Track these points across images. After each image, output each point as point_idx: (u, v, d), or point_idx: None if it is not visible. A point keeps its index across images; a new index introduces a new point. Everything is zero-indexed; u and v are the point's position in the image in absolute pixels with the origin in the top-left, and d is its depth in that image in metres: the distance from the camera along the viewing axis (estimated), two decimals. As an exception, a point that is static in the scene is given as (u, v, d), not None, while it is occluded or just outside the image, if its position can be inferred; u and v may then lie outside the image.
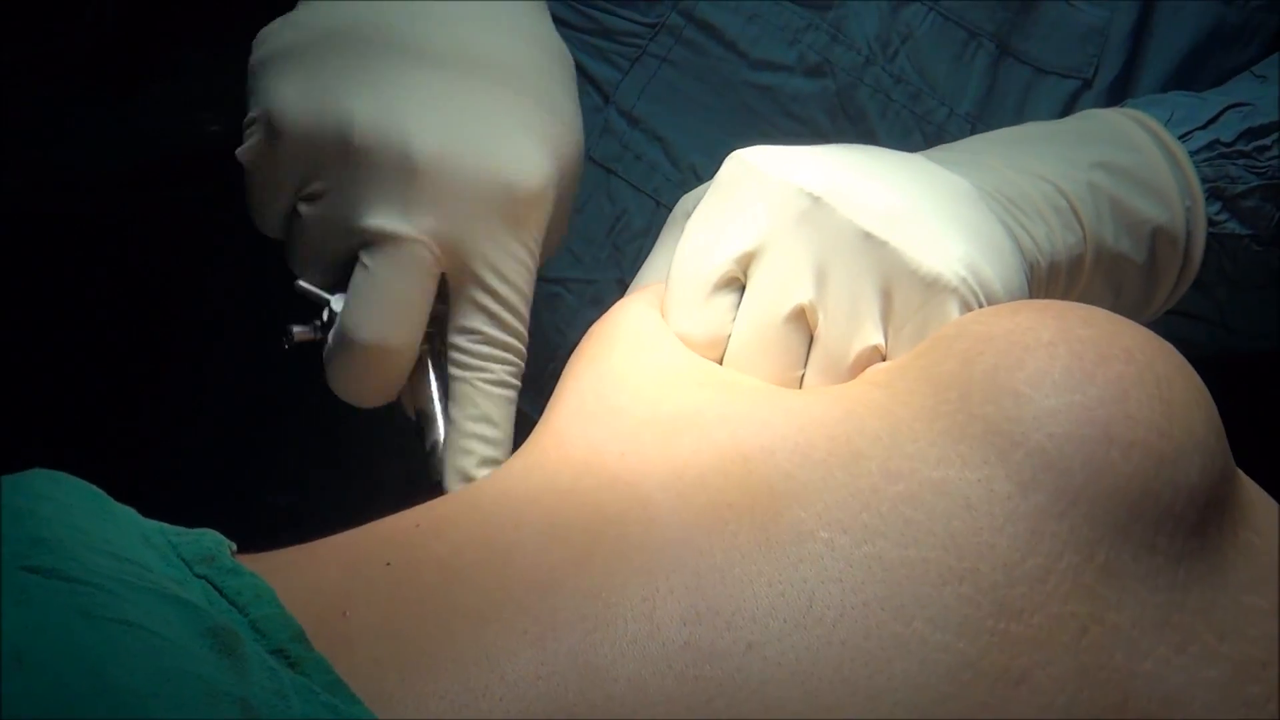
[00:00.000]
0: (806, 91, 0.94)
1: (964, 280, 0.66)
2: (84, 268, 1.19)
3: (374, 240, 0.73)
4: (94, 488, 0.57)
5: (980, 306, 0.66)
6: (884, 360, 0.67)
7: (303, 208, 0.74)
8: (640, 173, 0.95)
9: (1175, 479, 0.56)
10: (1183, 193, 0.82)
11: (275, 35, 0.76)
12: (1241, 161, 0.84)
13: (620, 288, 0.76)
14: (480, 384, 0.74)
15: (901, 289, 0.66)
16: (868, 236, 0.66)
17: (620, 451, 0.61)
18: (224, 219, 1.12)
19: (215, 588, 0.54)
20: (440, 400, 0.76)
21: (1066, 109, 0.95)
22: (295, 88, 0.74)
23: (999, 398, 0.57)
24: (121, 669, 0.45)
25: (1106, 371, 0.57)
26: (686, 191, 0.82)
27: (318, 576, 0.57)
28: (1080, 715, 0.53)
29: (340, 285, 0.75)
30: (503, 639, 0.53)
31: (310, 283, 0.76)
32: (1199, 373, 0.60)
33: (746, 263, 0.68)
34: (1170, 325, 0.86)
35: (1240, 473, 0.60)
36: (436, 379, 0.76)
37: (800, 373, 0.68)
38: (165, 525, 0.57)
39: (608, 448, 0.62)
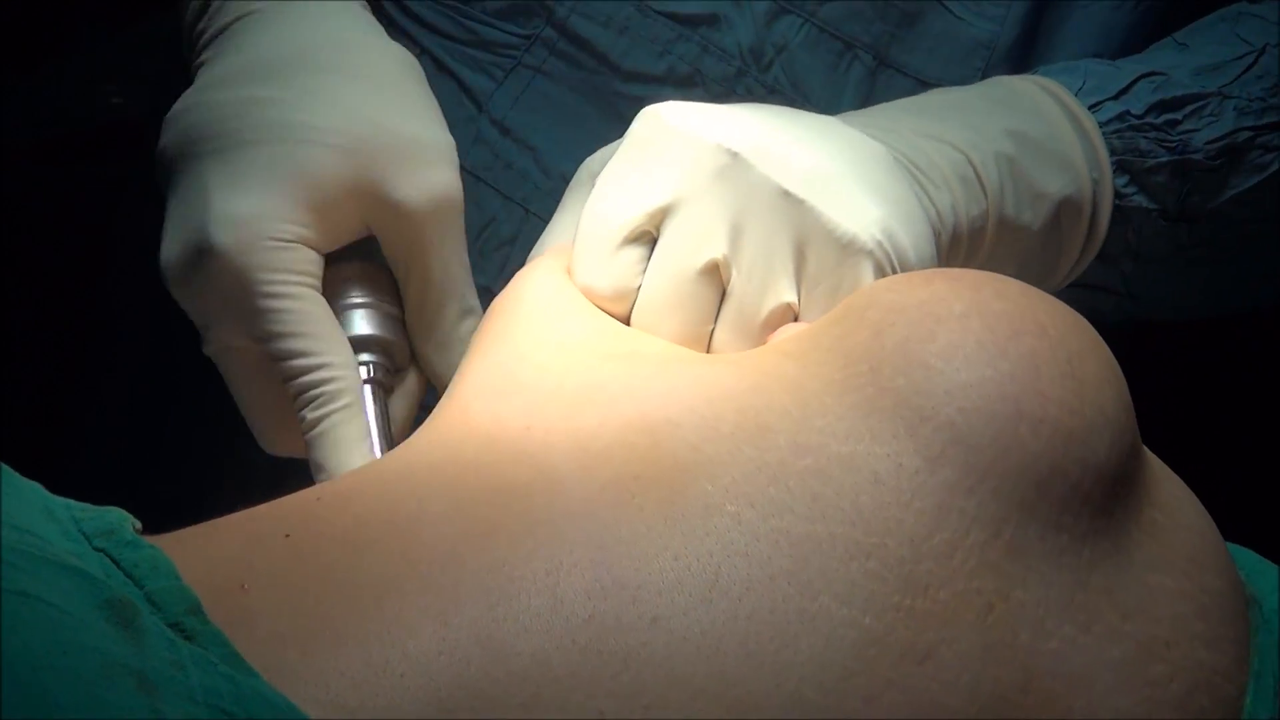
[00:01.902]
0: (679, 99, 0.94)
1: (879, 244, 0.66)
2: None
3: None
4: None
5: (893, 270, 0.66)
6: (796, 319, 0.67)
7: None
8: (510, 181, 0.95)
9: (1084, 457, 0.56)
10: (1090, 165, 0.82)
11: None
12: (1152, 135, 0.83)
13: (486, 295, 0.75)
14: (306, 437, 0.74)
15: (817, 248, 0.66)
16: (785, 194, 0.66)
17: (525, 425, 0.61)
18: (130, 192, 1.11)
19: (113, 560, 0.53)
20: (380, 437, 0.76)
21: None
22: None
23: (910, 370, 0.57)
24: (18, 641, 0.45)
25: (1019, 346, 0.57)
26: (554, 199, 0.82)
27: (217, 549, 0.56)
28: (985, 693, 0.53)
29: None
30: (405, 614, 0.52)
31: None
32: (1108, 343, 0.60)
33: (659, 218, 0.68)
34: (1075, 297, 0.86)
35: (1147, 450, 0.60)
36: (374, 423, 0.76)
37: (710, 328, 0.68)
38: (71, 501, 0.56)
39: (513, 422, 0.61)
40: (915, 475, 0.55)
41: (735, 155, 0.67)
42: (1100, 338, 0.60)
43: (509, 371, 0.65)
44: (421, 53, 0.94)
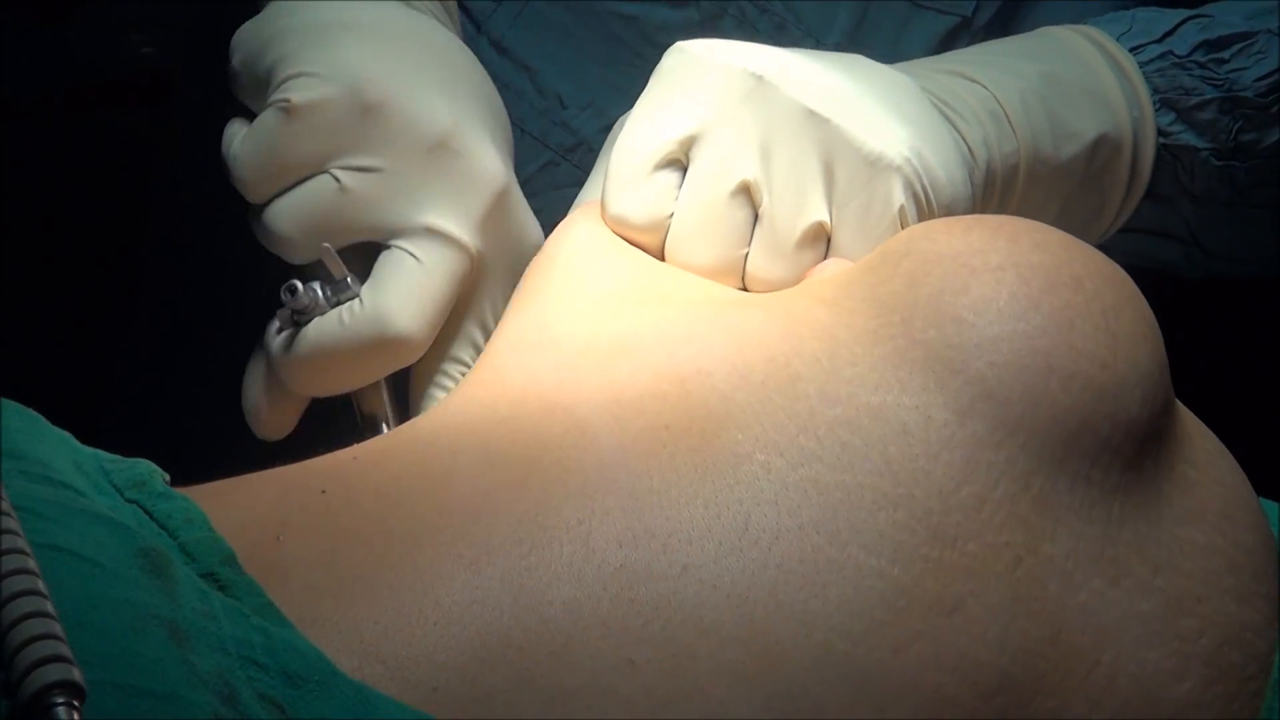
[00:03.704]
0: (672, 21, 0.94)
1: (908, 160, 0.66)
2: (18, 191, 1.18)
3: (434, 239, 0.72)
4: (29, 410, 0.57)
5: (923, 189, 0.67)
6: (829, 240, 0.67)
7: (345, 175, 0.73)
8: (507, 100, 0.93)
9: (1115, 412, 0.56)
10: (1130, 103, 0.81)
11: (342, 8, 0.75)
12: (1197, 73, 0.83)
13: None
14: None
15: (845, 166, 0.66)
16: (811, 114, 0.67)
17: (558, 380, 0.61)
18: (159, 141, 1.11)
19: (146, 512, 0.53)
20: (390, 408, 0.75)
21: (944, 45, 0.94)
22: (390, 70, 0.73)
23: (942, 323, 0.57)
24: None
25: (1053, 300, 0.57)
26: (550, 120, 0.85)
27: (251, 503, 0.57)
28: (1013, 645, 0.53)
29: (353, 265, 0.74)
30: (437, 564, 0.53)
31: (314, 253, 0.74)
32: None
33: (690, 145, 0.69)
34: (1141, 244, 0.86)
35: (1180, 404, 0.60)
36: (386, 385, 0.75)
37: (745, 251, 0.68)
38: (100, 452, 0.57)
39: (545, 377, 0.62)
40: (944, 428, 0.55)
41: (760, 78, 0.67)
42: (1139, 292, 0.60)
43: (542, 327, 0.65)
44: None
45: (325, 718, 0.47)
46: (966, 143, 0.74)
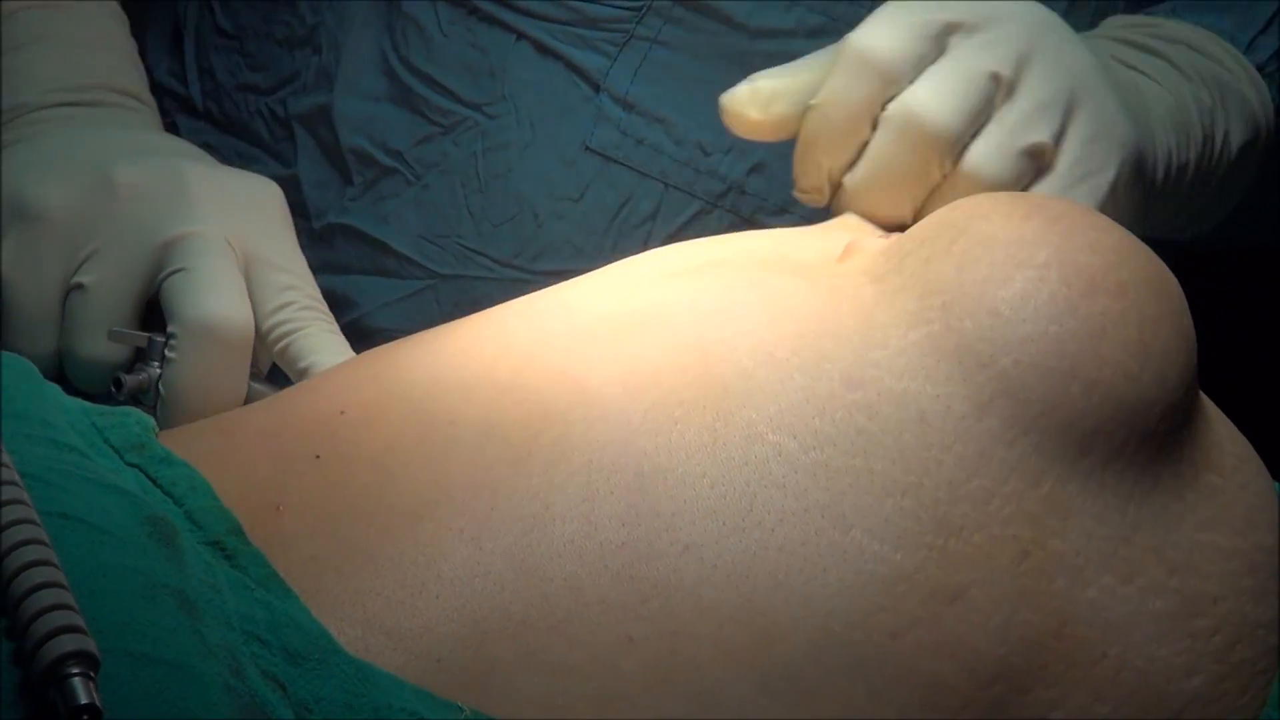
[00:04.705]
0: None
1: (1135, 142, 0.71)
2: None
3: (179, 247, 0.74)
4: (24, 360, 0.57)
5: (1135, 171, 0.72)
6: (1040, 169, 0.71)
7: (83, 278, 0.75)
8: (643, 156, 0.92)
9: (1132, 423, 0.56)
10: (1263, 106, 0.86)
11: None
12: None
13: None
14: (323, 331, 0.75)
15: (1087, 111, 0.71)
16: (1075, 42, 0.72)
17: (567, 347, 0.60)
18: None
19: (149, 477, 0.53)
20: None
21: None
22: (33, 177, 0.75)
23: (978, 314, 0.56)
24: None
25: (1090, 305, 0.56)
26: (694, 170, 0.87)
27: (247, 470, 0.57)
28: (1015, 636, 0.53)
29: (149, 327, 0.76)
30: (439, 537, 0.53)
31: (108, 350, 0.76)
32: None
33: (953, 31, 0.71)
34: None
35: (1211, 412, 0.60)
36: (254, 383, 0.76)
37: (973, 134, 0.71)
38: (86, 404, 0.57)
39: (556, 341, 0.61)
40: (961, 420, 0.55)
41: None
42: (1184, 305, 0.59)
43: (562, 296, 0.65)
44: (519, 39, 0.92)
45: (324, 696, 0.48)
46: (1155, 149, 0.77)
